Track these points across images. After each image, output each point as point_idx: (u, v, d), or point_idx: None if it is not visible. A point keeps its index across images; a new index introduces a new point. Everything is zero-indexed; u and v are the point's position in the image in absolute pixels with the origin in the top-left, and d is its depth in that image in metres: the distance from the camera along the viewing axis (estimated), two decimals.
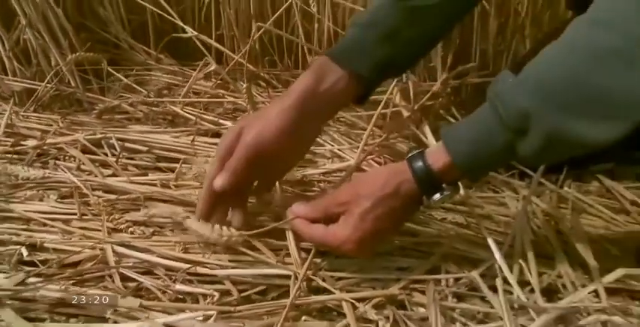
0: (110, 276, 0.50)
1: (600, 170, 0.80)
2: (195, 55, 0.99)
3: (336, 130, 0.81)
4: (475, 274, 0.52)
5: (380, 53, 0.54)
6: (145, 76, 0.96)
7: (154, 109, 0.85)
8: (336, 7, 0.90)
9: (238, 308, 0.45)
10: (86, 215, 0.59)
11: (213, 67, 0.85)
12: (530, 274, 0.52)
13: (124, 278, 0.50)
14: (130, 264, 0.51)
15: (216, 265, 0.51)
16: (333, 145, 0.76)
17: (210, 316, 0.44)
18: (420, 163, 0.47)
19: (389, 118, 0.77)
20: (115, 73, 0.90)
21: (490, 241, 0.52)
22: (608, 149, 0.40)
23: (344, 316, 0.47)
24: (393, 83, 0.75)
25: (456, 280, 0.53)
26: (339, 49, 0.55)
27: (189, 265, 0.49)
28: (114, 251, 0.52)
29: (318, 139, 0.76)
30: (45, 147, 0.71)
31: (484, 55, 0.96)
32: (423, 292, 0.52)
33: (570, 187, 0.75)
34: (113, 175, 0.68)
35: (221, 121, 0.80)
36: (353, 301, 0.47)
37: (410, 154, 0.49)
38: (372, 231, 0.48)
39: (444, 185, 0.47)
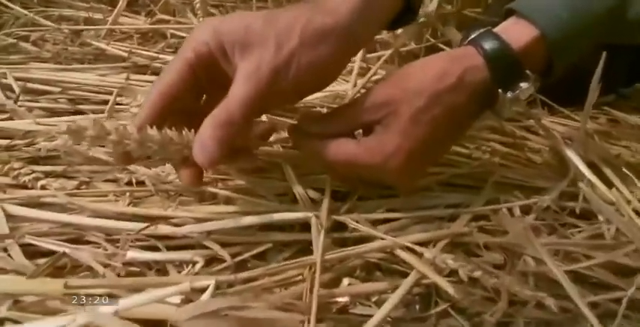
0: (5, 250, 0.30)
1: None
2: None
3: None
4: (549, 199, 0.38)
5: None
6: (51, 12, 0.73)
7: (67, 47, 0.63)
8: None
9: (240, 276, 0.27)
10: None
11: None
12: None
13: (34, 253, 0.30)
14: (45, 229, 0.31)
15: (190, 217, 0.32)
16: None
17: (189, 293, 0.26)
18: (493, 43, 0.33)
19: None
20: (9, 4, 0.67)
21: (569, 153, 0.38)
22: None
23: (400, 273, 0.31)
24: None
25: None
26: None
27: (145, 224, 0.30)
28: (9, 214, 0.31)
29: None
30: None
31: None
32: (488, 232, 0.37)
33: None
34: (9, 119, 0.46)
35: (162, 56, 0.60)
36: (413, 246, 0.31)
37: (473, 35, 0.34)
38: (429, 140, 0.33)
39: (527, 71, 0.33)
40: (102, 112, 0.50)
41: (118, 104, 0.51)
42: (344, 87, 0.50)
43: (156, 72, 0.58)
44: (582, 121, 0.47)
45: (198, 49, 0.31)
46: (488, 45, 0.33)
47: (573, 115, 0.55)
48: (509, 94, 0.33)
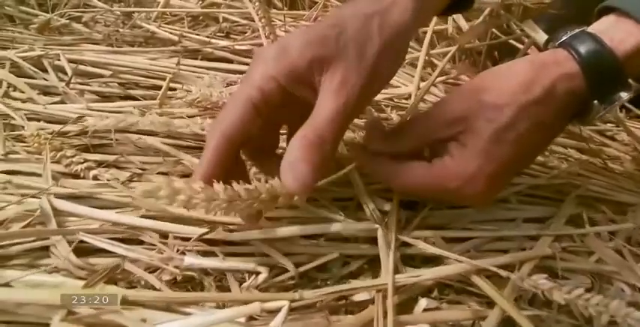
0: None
1: None
2: None
3: None
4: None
5: None
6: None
7: (119, 29, 0.61)
8: None
9: (308, 295, 0.24)
10: (17, 153, 0.36)
11: None
12: None
13: (84, 251, 0.28)
14: (96, 226, 0.29)
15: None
16: None
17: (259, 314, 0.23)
18: (591, 46, 0.28)
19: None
20: None
21: None
22: None
23: (477, 295, 0.27)
24: None
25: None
26: None
27: (204, 230, 0.28)
28: (55, 208, 0.30)
29: None
30: None
31: None
32: (573, 253, 0.33)
33: None
34: (61, 103, 0.45)
35: (214, 40, 0.57)
36: (496, 270, 0.27)
37: (564, 37, 0.29)
38: (512, 160, 0.28)
39: (630, 80, 0.28)
40: (152, 97, 0.48)
41: (169, 90, 0.49)
42: (407, 90, 0.46)
43: (207, 57, 0.56)
44: None
45: (264, 87, 0.26)
46: (585, 48, 0.28)
47: None
48: (606, 104, 0.29)
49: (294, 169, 0.24)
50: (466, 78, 0.55)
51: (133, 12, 0.61)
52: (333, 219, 0.30)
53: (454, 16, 0.60)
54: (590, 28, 0.30)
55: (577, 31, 0.30)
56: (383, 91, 0.47)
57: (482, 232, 0.32)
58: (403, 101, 0.46)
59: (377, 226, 0.29)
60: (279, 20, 0.61)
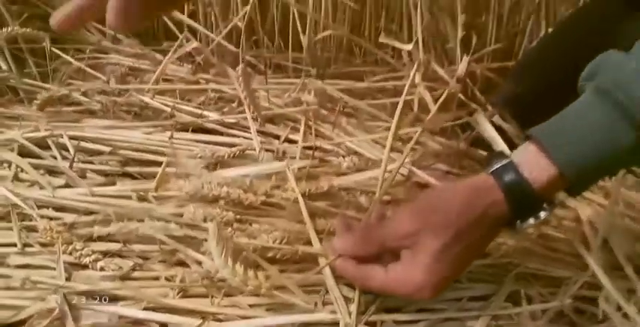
0: None
1: None
2: (161, 34, 0.82)
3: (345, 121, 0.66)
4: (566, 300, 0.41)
5: None
6: (100, 59, 0.77)
7: (115, 99, 0.67)
8: None
9: None
10: (31, 246, 0.41)
11: (193, 45, 0.68)
12: None
13: None
14: (105, 321, 0.35)
15: (236, 315, 0.36)
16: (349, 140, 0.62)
17: None
18: (513, 178, 0.34)
19: (416, 108, 0.63)
20: (61, 54, 0.71)
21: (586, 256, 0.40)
22: None
23: None
24: (415, 67, 0.62)
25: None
26: None
27: (199, 322, 0.34)
28: (72, 306, 0.35)
29: (330, 134, 0.62)
30: None
31: (499, 36, 0.86)
32: None
33: None
34: (66, 186, 0.50)
35: (205, 112, 0.63)
36: None
37: (496, 165, 0.35)
38: (452, 272, 0.35)
39: (545, 205, 0.35)
40: (149, 174, 0.54)
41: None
42: (376, 173, 0.53)
43: (197, 127, 0.62)
44: (609, 207, 0.49)
45: None
46: (508, 179, 0.34)
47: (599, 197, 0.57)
48: (527, 223, 0.35)
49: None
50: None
51: (127, 89, 0.67)
52: (304, 308, 0.36)
53: (420, 90, 0.67)
54: (516, 157, 0.35)
55: (505, 162, 0.35)
56: (352, 175, 0.54)
57: (431, 314, 0.38)
58: (372, 181, 0.52)
59: (339, 315, 0.35)
60: (264, 91, 0.67)
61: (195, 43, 0.68)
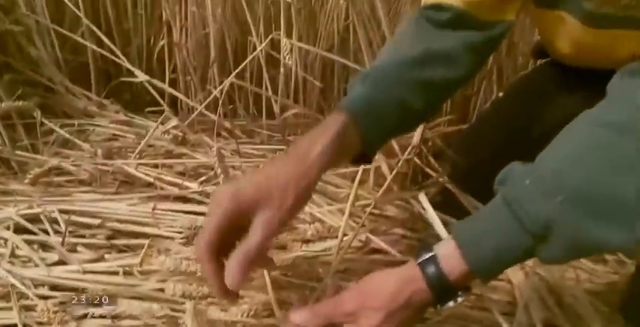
0: None
1: None
2: (143, 99, 0.89)
3: None
4: None
5: (389, 119, 0.50)
6: (87, 125, 0.84)
7: (101, 167, 0.73)
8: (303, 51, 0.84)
9: None
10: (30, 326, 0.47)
11: (174, 122, 0.75)
12: None
13: None
14: None
15: None
16: (311, 207, 0.69)
17: None
18: (434, 271, 0.42)
19: (371, 181, 0.71)
20: (52, 126, 0.77)
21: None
22: None
23: None
24: None
25: None
26: (355, 108, 0.49)
27: None
28: None
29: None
30: None
31: (453, 102, 0.95)
32: None
33: None
34: (60, 262, 0.56)
35: (185, 183, 0.70)
36: None
37: (421, 258, 0.43)
38: None
39: (459, 292, 0.43)
40: (135, 246, 0.60)
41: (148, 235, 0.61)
42: (330, 243, 0.60)
43: (178, 199, 0.68)
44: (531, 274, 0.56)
45: (222, 223, 0.42)
46: (431, 272, 0.41)
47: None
48: (446, 306, 0.43)
49: (230, 273, 0.41)
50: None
51: (112, 163, 0.73)
52: None
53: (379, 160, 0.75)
54: (439, 250, 0.42)
55: (429, 255, 0.42)
56: (310, 247, 0.61)
57: None
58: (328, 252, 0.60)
59: None
60: (235, 166, 0.74)
61: (175, 121, 0.75)
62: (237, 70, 0.71)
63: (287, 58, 0.67)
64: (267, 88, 0.80)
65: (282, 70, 0.78)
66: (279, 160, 0.48)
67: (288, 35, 0.72)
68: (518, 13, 0.58)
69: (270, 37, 0.70)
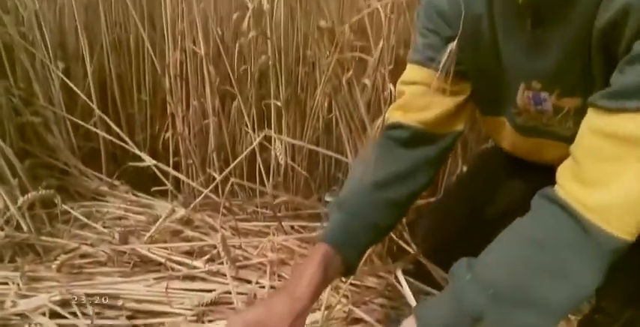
0: None
1: None
2: (150, 179, 1.00)
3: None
4: None
5: (365, 240, 0.61)
6: (101, 206, 0.94)
7: (117, 248, 0.83)
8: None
9: None
10: None
11: (181, 212, 0.86)
12: None
13: None
14: None
15: None
16: None
17: None
18: None
19: None
20: (68, 209, 0.88)
21: None
22: None
23: None
24: None
25: None
26: (334, 238, 0.60)
27: None
28: None
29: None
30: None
31: None
32: None
33: None
34: None
35: (194, 263, 0.81)
36: None
37: None
38: None
39: None
40: (152, 325, 0.70)
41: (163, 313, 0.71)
42: (317, 316, 0.71)
43: (187, 278, 0.79)
44: None
45: None
46: None
47: None
48: None
49: None
50: None
51: (124, 252, 0.83)
52: None
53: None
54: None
55: None
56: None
57: None
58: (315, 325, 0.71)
59: None
60: (235, 245, 0.85)
61: (182, 211, 0.86)
62: (232, 166, 0.84)
63: (279, 154, 0.80)
64: (260, 170, 0.92)
65: (272, 162, 0.90)
66: (274, 297, 0.56)
67: (279, 130, 0.85)
68: (467, 122, 0.71)
69: (262, 134, 0.83)
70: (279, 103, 0.84)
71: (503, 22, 0.57)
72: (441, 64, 0.60)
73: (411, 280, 0.81)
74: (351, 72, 0.79)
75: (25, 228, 0.83)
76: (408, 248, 0.86)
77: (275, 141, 0.82)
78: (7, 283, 0.73)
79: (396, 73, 0.77)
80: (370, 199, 0.62)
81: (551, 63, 0.54)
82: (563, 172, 0.50)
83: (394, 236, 0.89)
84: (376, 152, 0.65)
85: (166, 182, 0.94)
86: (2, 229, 0.80)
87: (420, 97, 0.64)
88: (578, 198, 0.46)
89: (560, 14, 0.51)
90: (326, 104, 0.91)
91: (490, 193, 0.88)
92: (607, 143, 0.45)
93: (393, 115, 0.66)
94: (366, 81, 0.86)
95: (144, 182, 1.00)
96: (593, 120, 0.48)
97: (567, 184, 0.48)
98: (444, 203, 0.95)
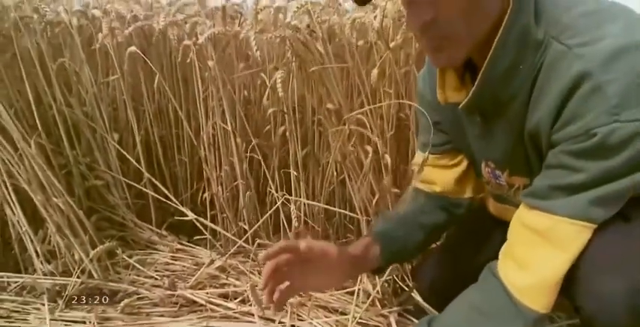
0: None
1: None
2: (192, 229, 1.19)
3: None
4: None
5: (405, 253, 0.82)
6: (153, 254, 1.14)
7: (168, 292, 1.02)
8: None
9: None
10: None
11: (219, 263, 1.05)
12: None
13: None
14: None
15: None
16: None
17: None
18: None
19: (361, 295, 0.99)
20: (129, 260, 1.08)
21: None
22: None
23: None
24: None
25: None
26: (381, 240, 0.78)
27: None
28: None
29: (306, 316, 0.97)
30: None
31: None
32: None
33: None
34: None
35: (230, 305, 0.99)
36: None
37: None
38: None
39: None
40: None
41: None
42: None
43: (223, 317, 0.97)
44: None
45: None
46: None
47: None
48: None
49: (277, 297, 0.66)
50: None
51: (174, 294, 1.03)
52: None
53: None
54: None
55: None
56: None
57: None
58: None
59: None
60: None
61: (218, 262, 1.05)
62: (258, 224, 1.02)
63: (294, 218, 0.98)
64: (283, 224, 1.10)
65: (293, 224, 1.08)
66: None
67: (296, 194, 1.03)
68: (474, 189, 0.85)
69: (283, 198, 1.01)
70: (295, 173, 1.03)
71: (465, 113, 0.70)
72: (429, 148, 0.77)
73: (414, 320, 0.96)
74: (354, 138, 0.97)
75: (95, 275, 1.03)
76: (408, 290, 1.01)
77: (294, 207, 1.00)
78: (84, 322, 0.93)
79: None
80: (409, 228, 0.82)
81: (499, 150, 0.68)
82: (504, 249, 0.65)
83: (397, 279, 1.04)
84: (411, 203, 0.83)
85: (205, 232, 1.14)
86: (79, 277, 1.00)
87: (426, 175, 0.82)
88: (509, 278, 0.61)
89: (500, 113, 0.63)
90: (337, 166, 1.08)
91: (477, 246, 1.00)
92: (527, 232, 0.60)
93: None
94: (368, 148, 1.03)
95: (187, 232, 1.20)
96: (520, 211, 0.63)
97: (504, 260, 0.63)
98: (441, 252, 1.09)
